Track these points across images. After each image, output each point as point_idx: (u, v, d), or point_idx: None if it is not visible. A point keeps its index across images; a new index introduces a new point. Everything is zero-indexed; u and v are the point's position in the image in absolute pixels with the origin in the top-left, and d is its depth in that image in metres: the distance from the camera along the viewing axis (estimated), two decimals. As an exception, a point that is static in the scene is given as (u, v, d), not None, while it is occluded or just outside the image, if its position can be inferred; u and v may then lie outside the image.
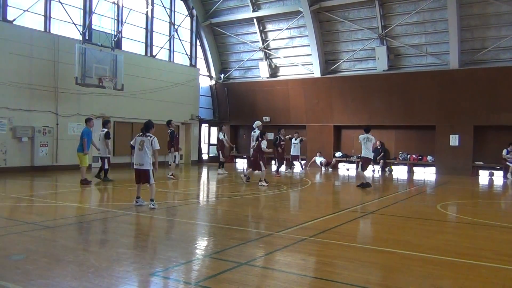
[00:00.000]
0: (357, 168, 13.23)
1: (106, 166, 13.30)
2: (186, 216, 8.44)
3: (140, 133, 8.75)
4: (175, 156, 15.18)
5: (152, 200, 8.57)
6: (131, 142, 9.09)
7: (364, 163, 13.22)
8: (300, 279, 4.57)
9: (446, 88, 19.63)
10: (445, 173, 19.62)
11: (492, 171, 19.25)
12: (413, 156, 21.00)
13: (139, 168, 8.65)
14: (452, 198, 12.19)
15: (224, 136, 17.32)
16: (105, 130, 13.42)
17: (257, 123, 14.95)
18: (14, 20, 16.32)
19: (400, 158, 21.28)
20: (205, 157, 25.72)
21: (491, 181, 17.72)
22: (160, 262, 5.01)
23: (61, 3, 17.65)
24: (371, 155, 13.27)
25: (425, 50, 20.45)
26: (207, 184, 15.14)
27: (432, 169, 20.46)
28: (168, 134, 14.96)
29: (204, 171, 20.09)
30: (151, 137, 8.64)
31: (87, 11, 18.77)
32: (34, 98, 16.59)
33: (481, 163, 19.38)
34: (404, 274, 4.78)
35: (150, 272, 4.64)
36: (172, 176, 14.61)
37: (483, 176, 19.20)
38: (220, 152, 17.33)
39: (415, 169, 21.12)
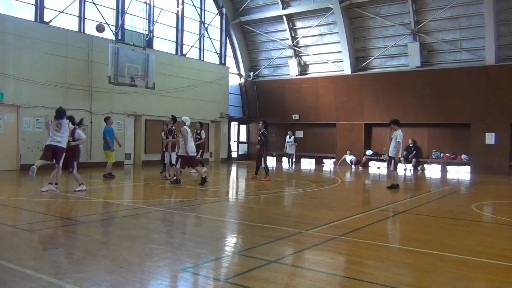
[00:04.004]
0: (389, 167, 12.76)
1: None
2: (215, 213, 8.51)
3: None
4: (170, 156, 13.80)
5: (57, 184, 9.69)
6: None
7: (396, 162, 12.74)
8: (330, 278, 4.53)
9: (481, 85, 19.05)
10: (480, 172, 19.05)
11: (531, 170, 18.58)
12: (447, 154, 20.47)
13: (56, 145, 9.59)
14: (487, 198, 11.83)
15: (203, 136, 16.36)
16: None
17: (186, 118, 13.01)
18: (50, 21, 16.83)
19: (433, 157, 20.79)
20: (234, 154, 25.86)
21: (529, 180, 17.10)
22: (190, 258, 5.06)
23: (95, 4, 18.08)
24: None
25: (460, 45, 19.89)
26: (236, 182, 15.19)
27: (467, 168, 19.90)
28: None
29: (234, 168, 20.20)
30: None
31: (120, 12, 19.16)
32: (69, 96, 17.07)
33: (519, 162, 18.74)
34: (437, 276, 4.66)
35: (181, 268, 4.70)
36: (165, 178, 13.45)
37: (521, 176, 18.56)
38: (202, 151, 16.24)
39: (448, 168, 20.59)
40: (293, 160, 21.43)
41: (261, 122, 14.51)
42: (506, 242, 6.39)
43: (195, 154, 12.69)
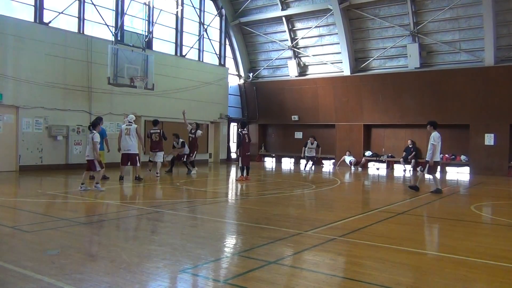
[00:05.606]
0: (423, 170, 12.50)
1: None
2: (214, 214, 8.50)
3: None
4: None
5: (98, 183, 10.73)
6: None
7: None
8: (329, 279, 4.53)
9: (480, 86, 19.07)
10: (479, 173, 19.06)
11: (530, 171, 18.57)
12: (446, 155, 20.47)
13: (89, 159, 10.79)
14: (487, 199, 11.84)
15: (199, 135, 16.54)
16: None
17: (132, 117, 13.64)
18: (50, 22, 16.83)
19: (432, 158, 20.77)
20: (233, 155, 25.85)
21: (528, 181, 17.10)
22: (189, 259, 5.06)
23: (94, 4, 18.08)
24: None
25: (459, 46, 19.91)
26: (235, 183, 15.18)
27: (466, 169, 19.91)
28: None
29: (233, 169, 20.20)
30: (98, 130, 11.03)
31: (119, 12, 19.17)
32: (68, 98, 17.07)
33: (518, 163, 18.74)
34: (436, 276, 4.67)
35: (180, 269, 4.70)
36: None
37: (520, 177, 18.56)
38: (196, 151, 16.42)
39: (448, 169, 20.61)
40: (312, 163, 20.07)
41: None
42: (505, 243, 6.40)
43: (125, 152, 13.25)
